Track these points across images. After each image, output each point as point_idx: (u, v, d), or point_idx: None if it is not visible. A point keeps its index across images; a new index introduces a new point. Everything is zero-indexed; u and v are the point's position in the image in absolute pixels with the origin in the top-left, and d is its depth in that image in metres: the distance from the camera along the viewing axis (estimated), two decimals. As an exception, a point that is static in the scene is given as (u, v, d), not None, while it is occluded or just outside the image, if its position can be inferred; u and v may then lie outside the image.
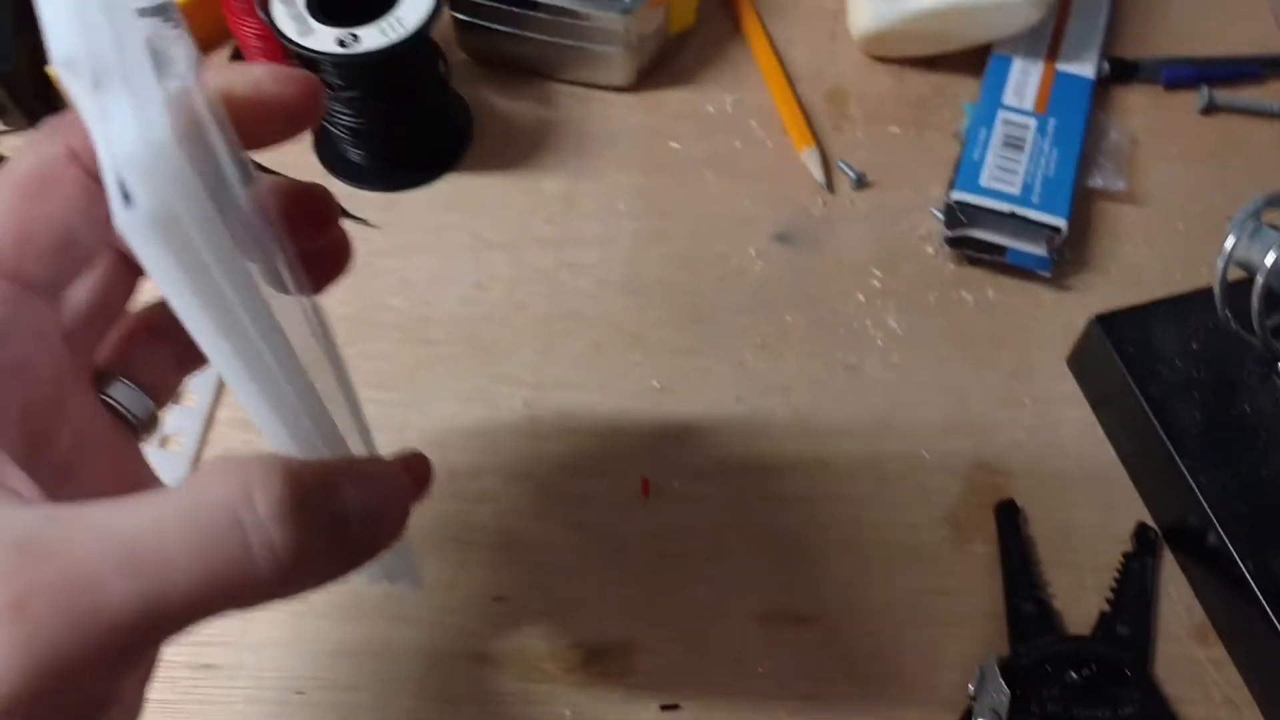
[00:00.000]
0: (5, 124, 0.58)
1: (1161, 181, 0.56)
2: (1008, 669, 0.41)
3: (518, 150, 0.58)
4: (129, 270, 0.31)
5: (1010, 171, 0.53)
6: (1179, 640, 0.43)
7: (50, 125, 0.27)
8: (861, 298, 0.52)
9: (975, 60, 0.59)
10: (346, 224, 0.52)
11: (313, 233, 0.32)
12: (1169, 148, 0.57)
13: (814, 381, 0.50)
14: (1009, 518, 0.46)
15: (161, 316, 0.33)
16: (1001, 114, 0.55)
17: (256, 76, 0.28)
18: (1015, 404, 0.49)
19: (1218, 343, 0.46)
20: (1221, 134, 0.58)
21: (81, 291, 0.30)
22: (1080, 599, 0.44)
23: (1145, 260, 0.53)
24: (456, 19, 0.59)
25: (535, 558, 0.45)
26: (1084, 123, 0.55)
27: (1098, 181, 0.55)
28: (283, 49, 0.49)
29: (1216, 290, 0.43)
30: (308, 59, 0.49)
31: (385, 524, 0.25)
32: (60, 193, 0.26)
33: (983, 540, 0.46)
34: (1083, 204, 0.55)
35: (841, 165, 0.56)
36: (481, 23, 0.58)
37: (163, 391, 0.32)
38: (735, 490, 0.47)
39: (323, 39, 0.49)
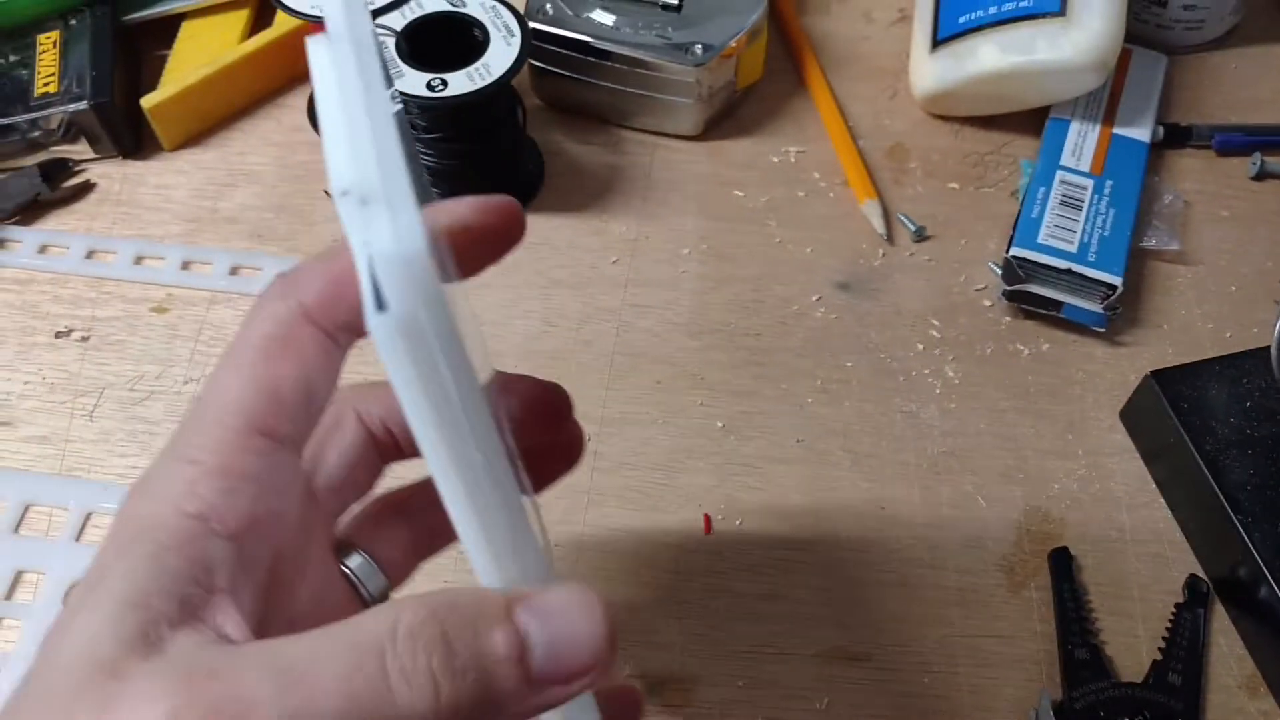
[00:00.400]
0: (96, 151, 0.60)
1: (1213, 244, 0.58)
2: (1061, 712, 0.42)
3: (587, 193, 0.60)
4: (378, 451, 0.34)
5: (1067, 230, 0.54)
6: (1230, 691, 0.44)
7: (280, 284, 0.28)
8: (920, 346, 0.54)
9: (1033, 120, 0.61)
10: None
11: (545, 431, 0.35)
12: (1221, 211, 0.59)
13: (872, 426, 0.51)
14: (1063, 565, 0.47)
15: (407, 499, 0.36)
16: (1060, 174, 0.57)
17: (462, 211, 0.30)
18: (1069, 455, 0.50)
19: (1271, 402, 0.47)
20: (1273, 199, 0.59)
21: (333, 459, 0.33)
22: (1132, 647, 0.45)
23: (1197, 319, 0.55)
24: (534, 66, 0.61)
25: (598, 589, 0.46)
26: (1139, 185, 0.57)
27: (1152, 242, 0.56)
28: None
29: (1273, 351, 0.44)
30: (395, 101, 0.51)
31: (563, 664, 0.25)
32: (300, 351, 0.28)
33: (1036, 586, 0.47)
34: (1137, 263, 0.56)
35: (901, 218, 0.58)
36: (558, 70, 0.60)
37: (398, 570, 0.35)
38: (795, 529, 0.48)
39: (412, 82, 0.51)
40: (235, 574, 0.27)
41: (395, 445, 0.35)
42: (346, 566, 0.33)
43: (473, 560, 0.26)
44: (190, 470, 0.27)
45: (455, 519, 0.25)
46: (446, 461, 0.23)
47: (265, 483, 0.27)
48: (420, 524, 0.35)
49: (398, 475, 0.35)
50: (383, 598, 0.34)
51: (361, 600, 0.33)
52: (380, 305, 0.21)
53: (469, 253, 0.30)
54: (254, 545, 0.27)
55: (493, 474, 0.24)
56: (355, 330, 0.29)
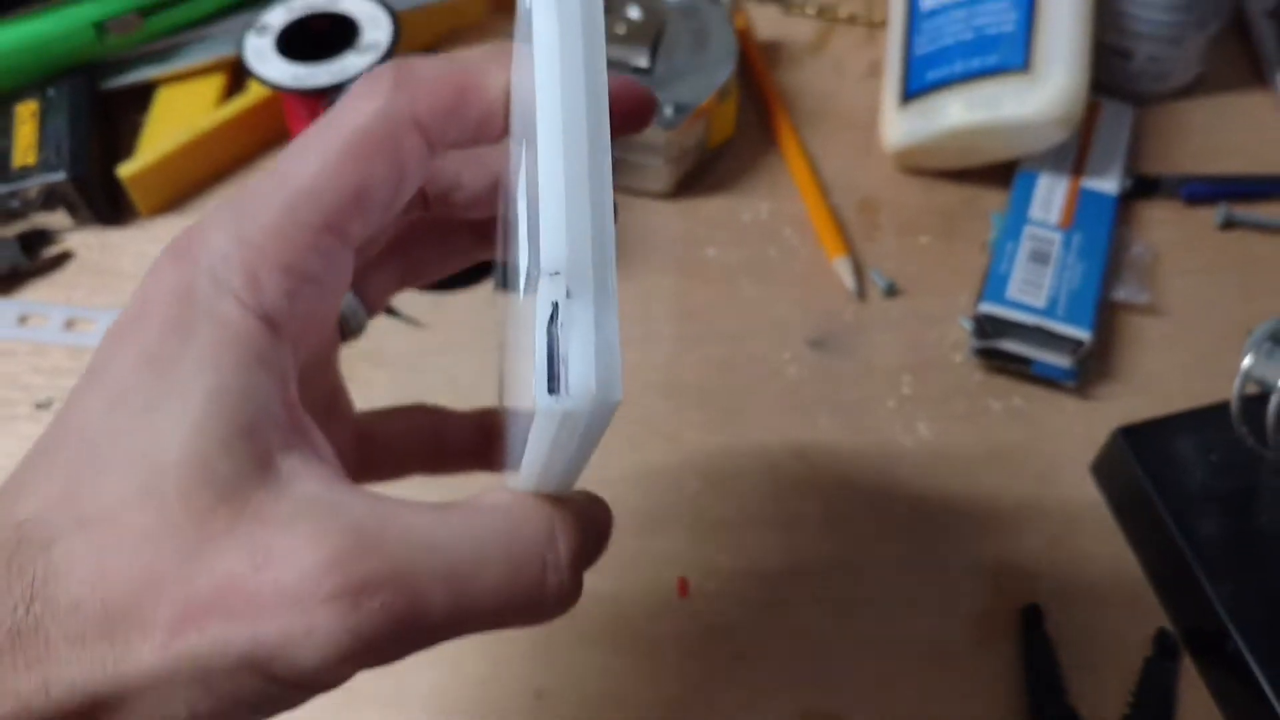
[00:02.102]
0: (75, 220, 0.60)
1: (1183, 294, 0.58)
2: (1033, 772, 0.43)
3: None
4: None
5: (1036, 285, 0.55)
6: (1200, 747, 0.44)
7: (392, 78, 0.26)
8: (892, 404, 0.54)
9: (1003, 172, 0.62)
10: (395, 323, 0.55)
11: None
12: (1190, 262, 0.60)
13: (847, 484, 0.52)
14: (1033, 621, 0.47)
15: (397, 236, 0.34)
16: (1028, 228, 0.57)
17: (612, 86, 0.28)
18: (1041, 510, 0.51)
19: (1237, 455, 0.48)
20: (1241, 249, 0.60)
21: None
22: (1103, 702, 0.45)
23: (1167, 371, 0.55)
24: (506, 129, 0.61)
25: (573, 654, 0.47)
26: (1108, 237, 0.58)
27: (1121, 294, 0.57)
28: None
29: (1234, 407, 0.45)
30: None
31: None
32: (399, 156, 0.26)
33: (1009, 641, 0.47)
34: (1107, 315, 0.57)
35: (873, 274, 0.59)
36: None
37: (375, 305, 0.35)
38: (770, 590, 0.48)
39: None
40: (296, 381, 0.26)
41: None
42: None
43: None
44: (253, 256, 0.25)
45: None
46: None
47: (325, 285, 0.27)
48: (410, 257, 0.35)
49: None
50: (360, 329, 0.34)
51: (341, 333, 0.34)
52: (554, 389, 0.20)
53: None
54: (302, 347, 0.27)
55: None
56: (457, 145, 0.27)
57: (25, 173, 0.59)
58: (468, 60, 0.27)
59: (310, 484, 0.24)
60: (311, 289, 0.26)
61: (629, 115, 0.28)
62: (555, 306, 0.21)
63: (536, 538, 0.25)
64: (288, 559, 0.22)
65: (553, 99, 0.21)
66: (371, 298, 0.34)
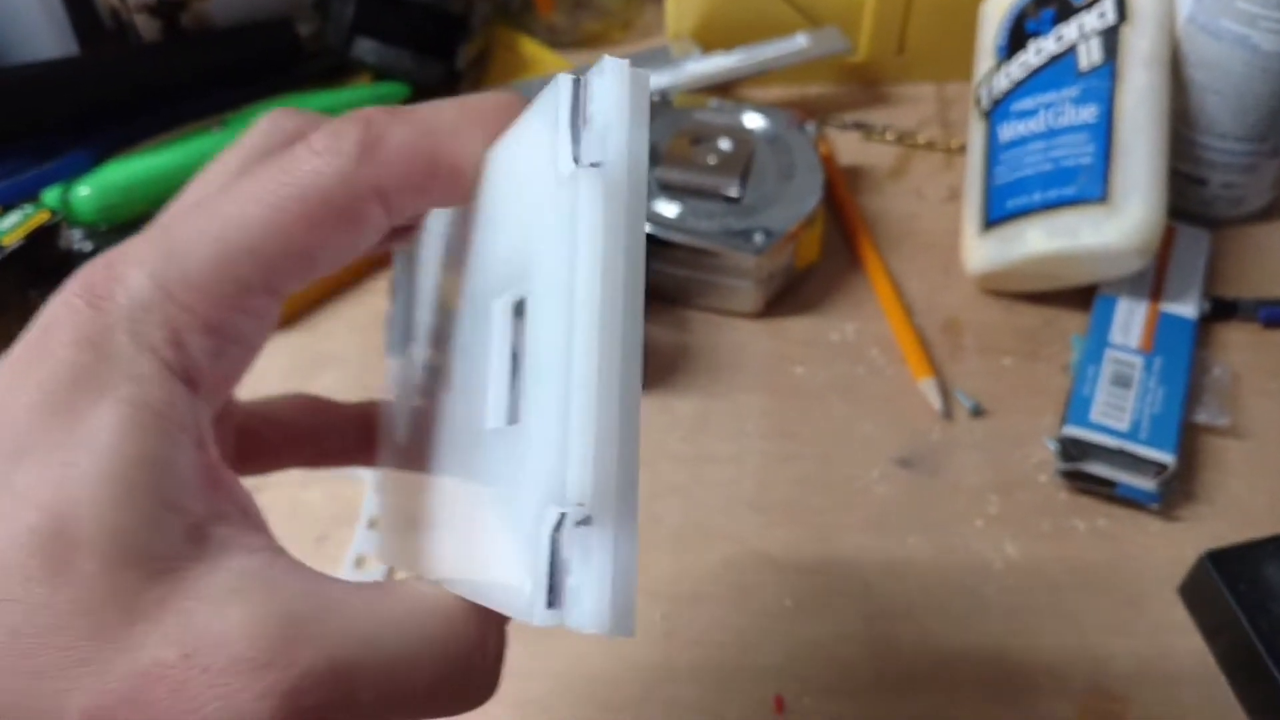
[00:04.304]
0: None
1: (1263, 417, 0.59)
2: None
3: (654, 372, 0.63)
4: None
5: (1119, 408, 0.56)
6: None
7: (361, 139, 0.24)
8: (980, 523, 0.56)
9: (1083, 293, 0.64)
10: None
11: None
12: (1270, 384, 0.61)
13: (936, 604, 0.53)
14: (1126, 745, 0.48)
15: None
16: (1109, 352, 0.59)
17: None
18: (1129, 632, 0.52)
19: (1325, 582, 0.49)
20: (1320, 371, 0.61)
21: None
22: (1198, 829, 0.46)
23: (1251, 493, 0.56)
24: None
25: (676, 767, 0.48)
26: (1188, 361, 0.59)
27: (1202, 417, 0.58)
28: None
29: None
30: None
31: None
32: (358, 228, 0.24)
33: (1101, 766, 0.48)
34: (1189, 438, 0.58)
35: (958, 394, 0.60)
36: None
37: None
38: (864, 707, 0.50)
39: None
40: (213, 440, 0.25)
41: None
42: None
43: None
44: (178, 314, 0.23)
45: None
46: None
47: (248, 345, 0.25)
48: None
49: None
50: None
51: None
52: (552, 603, 0.20)
53: None
54: (218, 399, 0.25)
55: None
56: (413, 222, 0.26)
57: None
58: (441, 124, 0.25)
59: (243, 558, 0.23)
60: (237, 350, 0.24)
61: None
62: (563, 516, 0.20)
63: (470, 645, 0.24)
64: (220, 648, 0.21)
65: (590, 304, 0.20)
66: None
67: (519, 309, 0.24)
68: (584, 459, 0.20)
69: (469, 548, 0.25)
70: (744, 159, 0.64)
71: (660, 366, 0.63)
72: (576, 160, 0.21)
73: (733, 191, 0.63)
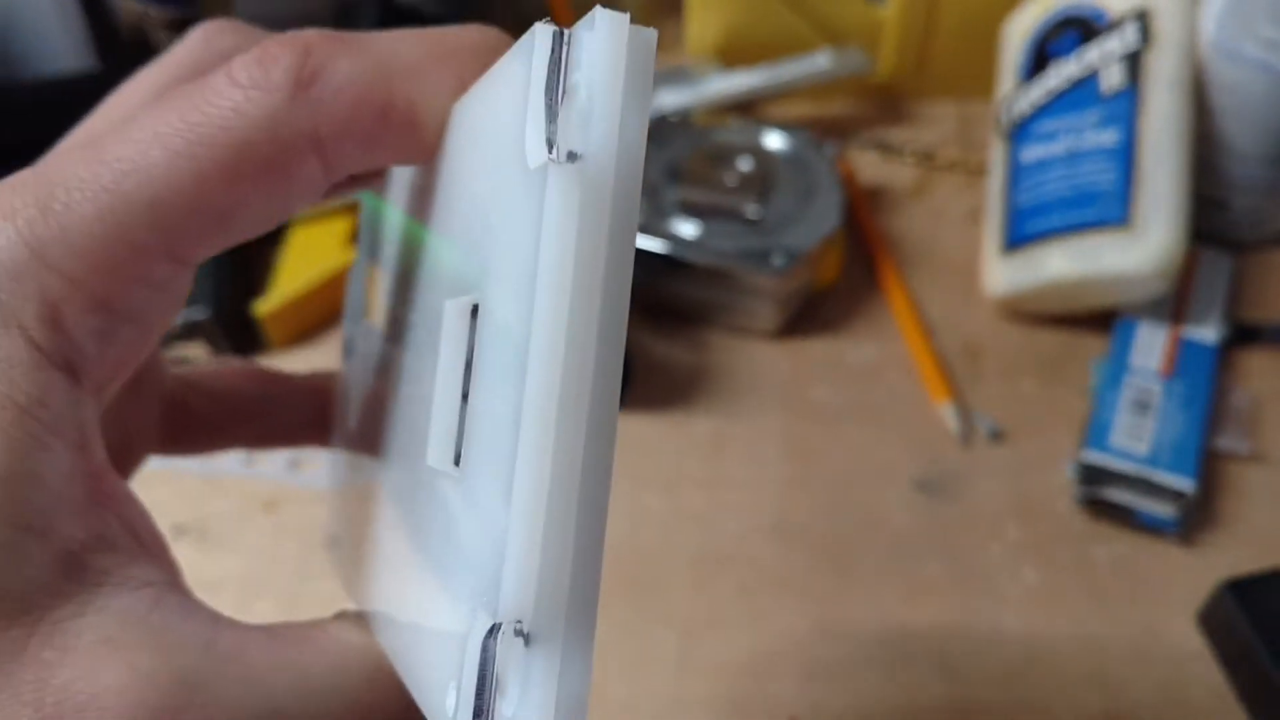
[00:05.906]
0: (213, 351, 0.64)
1: (1285, 444, 0.59)
2: None
3: (672, 392, 0.62)
4: None
5: (1138, 433, 0.56)
6: None
7: (296, 75, 0.19)
8: (998, 549, 0.55)
9: (1103, 317, 0.63)
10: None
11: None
12: (1291, 410, 0.61)
13: (955, 630, 0.53)
14: (1144, 776, 0.48)
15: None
16: (1129, 377, 0.59)
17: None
18: (1148, 660, 0.51)
19: (1346, 614, 0.48)
20: (1343, 398, 0.61)
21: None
22: None
23: (1271, 521, 0.56)
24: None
25: (690, 793, 0.48)
26: (1209, 386, 0.59)
27: (1222, 443, 0.58)
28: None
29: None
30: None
31: None
32: (287, 186, 0.20)
33: (1119, 797, 0.48)
34: (1209, 465, 0.58)
35: (977, 419, 0.60)
36: (640, 276, 0.64)
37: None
38: (879, 735, 0.50)
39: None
40: (99, 442, 0.20)
41: None
42: None
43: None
44: (57, 285, 0.18)
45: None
46: None
47: (146, 325, 0.20)
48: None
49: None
50: None
51: None
52: (478, 715, 0.16)
53: None
54: (109, 390, 0.21)
55: None
56: (356, 179, 0.22)
57: (171, 310, 0.62)
58: (399, 61, 0.20)
59: (125, 596, 0.18)
60: (131, 330, 0.20)
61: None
62: (496, 628, 0.16)
63: (395, 713, 0.21)
64: (86, 711, 0.17)
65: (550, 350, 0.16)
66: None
67: (475, 313, 0.19)
68: (527, 568, 0.16)
69: (404, 589, 0.21)
70: (764, 179, 0.64)
71: (677, 387, 0.63)
72: (551, 146, 0.16)
73: (752, 212, 0.63)
